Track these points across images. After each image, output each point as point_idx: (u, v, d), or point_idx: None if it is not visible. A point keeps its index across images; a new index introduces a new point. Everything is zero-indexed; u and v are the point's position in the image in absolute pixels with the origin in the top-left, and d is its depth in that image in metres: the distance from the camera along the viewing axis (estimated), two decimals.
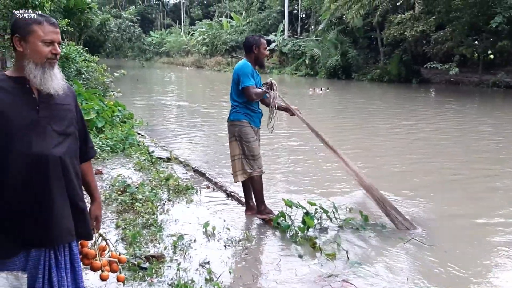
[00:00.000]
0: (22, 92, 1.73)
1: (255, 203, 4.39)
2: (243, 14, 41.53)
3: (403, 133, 9.96)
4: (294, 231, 3.91)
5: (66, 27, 10.92)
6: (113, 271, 2.16)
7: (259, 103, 4.35)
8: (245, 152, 4.18)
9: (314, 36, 30.45)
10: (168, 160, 6.42)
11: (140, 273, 3.02)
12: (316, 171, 6.40)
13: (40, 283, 1.75)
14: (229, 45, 38.58)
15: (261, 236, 3.97)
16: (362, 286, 3.04)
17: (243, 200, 4.59)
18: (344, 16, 25.11)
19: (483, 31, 19.92)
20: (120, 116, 8.74)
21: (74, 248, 1.86)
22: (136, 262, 3.14)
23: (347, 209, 4.57)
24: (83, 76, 11.37)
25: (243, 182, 4.36)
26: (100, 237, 2.13)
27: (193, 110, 14.22)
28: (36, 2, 8.24)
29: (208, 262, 3.28)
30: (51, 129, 1.76)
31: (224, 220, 4.19)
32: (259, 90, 4.14)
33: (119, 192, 4.67)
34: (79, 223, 1.86)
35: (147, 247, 3.47)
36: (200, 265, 3.25)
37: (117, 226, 3.86)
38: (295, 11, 37.04)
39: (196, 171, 6.02)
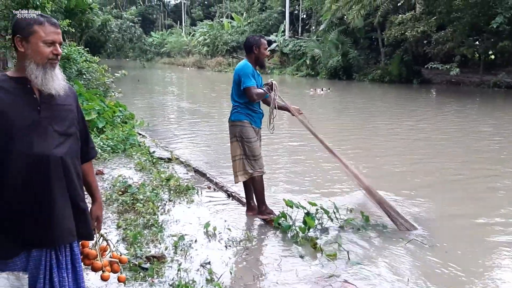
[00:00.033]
0: (24, 92, 1.74)
1: (256, 204, 4.39)
2: (244, 14, 41.55)
3: (404, 134, 9.96)
4: (295, 231, 3.91)
5: (67, 28, 10.92)
6: (114, 272, 2.16)
7: (260, 103, 4.36)
8: (246, 153, 4.18)
9: (315, 37, 30.45)
10: (169, 160, 6.43)
11: (141, 274, 3.03)
12: (317, 171, 6.40)
13: (41, 283, 1.75)
14: (230, 45, 38.59)
15: (262, 237, 3.97)
16: (363, 287, 3.04)
17: (244, 200, 4.59)
18: (345, 17, 25.11)
19: (484, 32, 19.90)
20: (121, 117, 8.75)
21: (75, 249, 1.87)
22: (137, 263, 3.15)
23: (348, 210, 4.57)
24: (84, 76, 11.38)
25: (244, 183, 4.36)
26: (101, 238, 2.13)
27: (194, 110, 14.22)
28: (37, 3, 8.25)
29: (209, 263, 3.28)
30: (52, 130, 1.76)
31: (225, 221, 4.19)
32: (260, 90, 4.14)
33: (120, 193, 4.67)
34: (80, 224, 1.87)
35: (148, 248, 3.48)
36: (201, 265, 3.25)
37: (118, 227, 3.86)
38: (296, 12, 37.05)
39: (197, 171, 6.02)
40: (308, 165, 6.77)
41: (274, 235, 3.98)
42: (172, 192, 4.88)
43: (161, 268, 3.13)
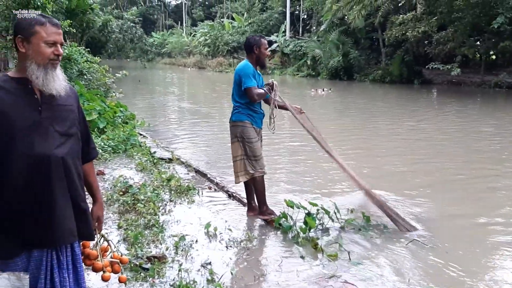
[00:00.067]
0: (25, 93, 1.74)
1: (257, 204, 4.39)
2: (245, 15, 41.56)
3: (405, 134, 9.96)
4: (295, 232, 3.91)
5: (68, 28, 10.95)
6: (115, 272, 2.16)
7: (261, 103, 4.35)
8: (247, 153, 4.18)
9: (315, 37, 30.44)
10: (170, 160, 6.43)
11: (142, 274, 3.03)
12: (318, 171, 6.40)
13: (42, 283, 1.75)
14: (231, 46, 38.60)
15: (263, 237, 3.97)
16: (363, 287, 3.04)
17: (245, 200, 4.59)
18: (346, 17, 25.11)
19: (485, 32, 19.89)
20: (122, 117, 8.76)
21: (76, 249, 1.87)
22: (138, 263, 3.15)
23: (349, 210, 4.56)
24: (85, 77, 11.40)
25: (245, 183, 4.35)
26: (102, 238, 2.13)
27: (195, 110, 14.22)
28: (38, 3, 8.27)
29: (209, 263, 3.28)
30: (53, 130, 1.76)
31: (226, 221, 4.19)
32: (261, 90, 4.14)
33: (121, 193, 4.67)
34: (81, 224, 1.87)
35: (149, 248, 3.48)
36: (202, 265, 3.25)
37: (119, 227, 3.86)
38: (297, 12, 37.05)
39: (197, 171, 6.03)
40: (309, 165, 6.77)
41: (275, 236, 3.98)
42: (173, 192, 4.88)
43: (162, 268, 3.13)
